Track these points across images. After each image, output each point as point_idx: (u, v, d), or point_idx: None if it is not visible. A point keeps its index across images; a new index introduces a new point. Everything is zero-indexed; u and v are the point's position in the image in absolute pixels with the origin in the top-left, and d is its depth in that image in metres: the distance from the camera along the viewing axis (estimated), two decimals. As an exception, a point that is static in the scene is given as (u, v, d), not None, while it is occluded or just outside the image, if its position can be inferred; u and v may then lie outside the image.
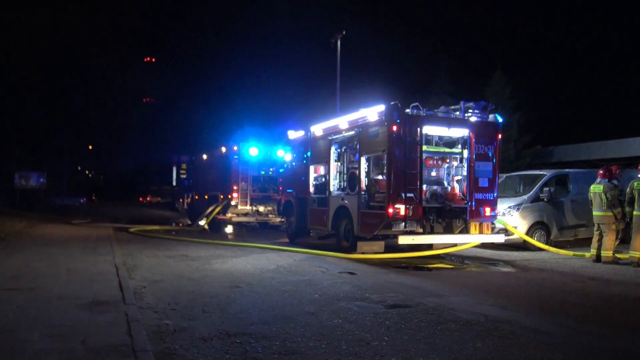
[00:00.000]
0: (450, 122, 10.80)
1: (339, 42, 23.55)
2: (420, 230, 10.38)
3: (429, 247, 11.32)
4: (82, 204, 47.28)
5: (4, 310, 5.68)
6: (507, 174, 15.23)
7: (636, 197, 10.21)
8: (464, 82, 30.96)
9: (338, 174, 12.43)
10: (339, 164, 12.43)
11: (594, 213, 10.88)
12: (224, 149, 19.57)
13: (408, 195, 10.01)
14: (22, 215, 22.70)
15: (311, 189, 13.46)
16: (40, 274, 8.06)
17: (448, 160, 11.17)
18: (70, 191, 52.92)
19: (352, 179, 11.63)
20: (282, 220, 16.23)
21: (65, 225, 19.52)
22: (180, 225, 21.95)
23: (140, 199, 55.49)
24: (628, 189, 10.45)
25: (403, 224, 10.08)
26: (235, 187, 18.34)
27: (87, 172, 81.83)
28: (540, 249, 12.10)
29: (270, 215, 18.66)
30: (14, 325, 5.09)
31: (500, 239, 11.26)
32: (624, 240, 11.14)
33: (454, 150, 11.14)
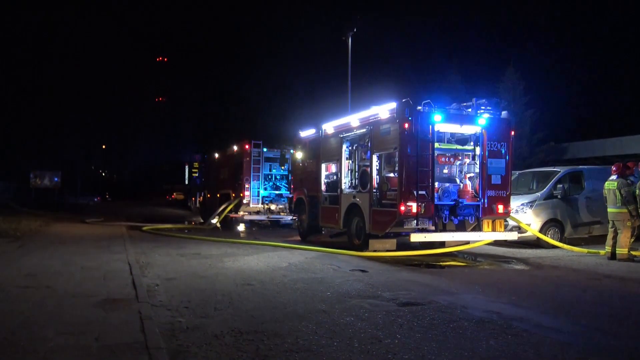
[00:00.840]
0: (463, 119, 10.72)
1: (350, 39, 23.52)
2: (433, 227, 10.34)
3: (442, 244, 11.26)
4: (95, 202, 47.74)
5: (20, 308, 5.75)
6: (520, 171, 15.11)
7: None
8: (477, 79, 30.79)
9: (349, 171, 12.41)
10: (351, 161, 12.41)
11: (609, 210, 10.76)
12: (235, 147, 19.64)
13: (420, 192, 9.95)
14: (37, 214, 22.98)
15: (323, 187, 13.45)
16: (55, 272, 8.16)
17: (460, 158, 11.09)
18: (84, 190, 53.46)
19: (363, 176, 11.61)
20: (294, 218, 16.25)
21: (79, 224, 19.71)
22: (193, 223, 22.06)
23: (167, 197, 55.79)
24: (638, 190, 10.31)
25: (415, 221, 10.03)
26: (247, 186, 18.40)
27: (100, 171, 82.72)
28: (554, 247, 11.98)
29: (281, 213, 18.70)
30: (29, 322, 5.16)
31: (513, 236, 11.16)
32: (639, 238, 11.00)
33: (466, 147, 11.05)
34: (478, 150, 10.76)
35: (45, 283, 7.22)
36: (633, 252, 10.57)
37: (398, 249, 11.16)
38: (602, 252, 11.06)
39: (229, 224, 19.17)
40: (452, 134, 11.20)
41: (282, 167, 18.86)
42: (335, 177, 12.96)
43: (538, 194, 12.78)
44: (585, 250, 11.70)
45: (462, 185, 10.90)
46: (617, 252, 10.50)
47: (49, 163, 37.35)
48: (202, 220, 22.47)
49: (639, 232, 10.92)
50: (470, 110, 10.86)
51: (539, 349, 4.62)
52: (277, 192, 18.81)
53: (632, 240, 10.68)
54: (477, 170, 10.77)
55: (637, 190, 10.38)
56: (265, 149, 18.75)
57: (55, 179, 34.66)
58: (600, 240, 11.86)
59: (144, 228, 17.44)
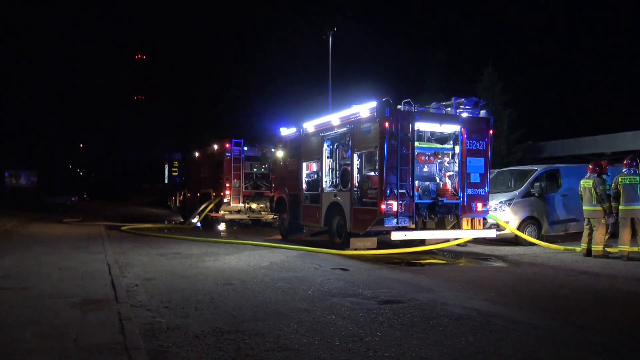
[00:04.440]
0: (442, 118, 10.82)
1: (330, 39, 23.55)
2: (413, 226, 10.42)
3: (422, 242, 11.35)
4: (72, 202, 46.92)
5: (-5, 310, 5.64)
6: (499, 170, 15.32)
7: (621, 191, 10.31)
8: (456, 78, 31.09)
9: (330, 170, 12.43)
10: (331, 160, 12.43)
11: (584, 208, 10.96)
12: (216, 146, 19.52)
13: (400, 191, 10.03)
14: (13, 214, 22.52)
15: (304, 186, 13.46)
16: (32, 273, 8.02)
17: (440, 156, 11.20)
18: (62, 189, 52.54)
19: (344, 175, 11.64)
20: (275, 217, 16.21)
21: (57, 224, 19.39)
22: (173, 223, 21.87)
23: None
24: (613, 184, 10.53)
25: (395, 219, 10.10)
26: (227, 185, 18.30)
27: (78, 170, 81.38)
28: (531, 244, 12.18)
29: (262, 213, 18.65)
30: (5, 325, 5.06)
31: (492, 234, 11.33)
32: (614, 235, 11.25)
33: (446, 146, 11.18)
34: (457, 148, 10.88)
35: (21, 284, 7.09)
36: (608, 249, 10.80)
37: (379, 247, 11.23)
38: (578, 249, 11.27)
39: (209, 223, 19.05)
40: (432, 133, 11.31)
41: (263, 166, 18.81)
42: (316, 176, 12.97)
43: (516, 192, 12.96)
44: (561, 247, 11.91)
45: (441, 183, 11.01)
46: (592, 248, 10.71)
47: (25, 162, 36.67)
48: (182, 220, 22.30)
49: (613, 229, 11.17)
50: (449, 109, 10.97)
51: (517, 344, 4.69)
52: (258, 191, 18.75)
53: (607, 237, 10.90)
54: (457, 168, 10.90)
55: (613, 185, 10.58)
56: (246, 148, 18.67)
57: (32, 178, 34.05)
58: (576, 237, 12.10)
59: (123, 228, 17.23)
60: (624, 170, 10.49)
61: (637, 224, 10.20)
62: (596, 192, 10.64)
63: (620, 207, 10.33)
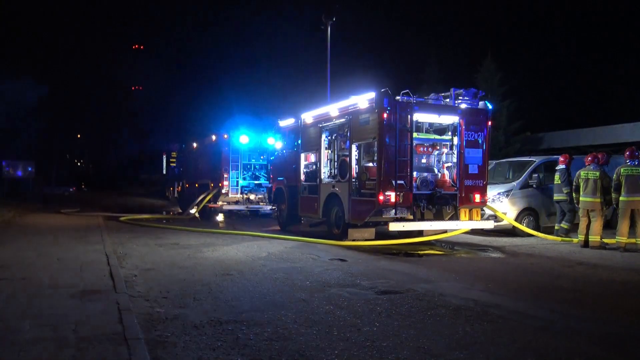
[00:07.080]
0: (441, 109, 10.80)
1: (329, 29, 23.40)
2: (411, 217, 10.43)
3: (420, 233, 11.37)
4: (71, 193, 46.89)
5: (-6, 300, 5.65)
6: (497, 161, 15.32)
7: (622, 182, 10.32)
8: (455, 69, 31.05)
9: (329, 161, 12.42)
10: (330, 151, 12.41)
11: (584, 199, 10.92)
12: (214, 137, 19.48)
13: (398, 182, 10.04)
14: (11, 205, 22.49)
15: (302, 177, 13.45)
16: (30, 264, 8.03)
17: (438, 147, 11.19)
18: (60, 180, 52.50)
19: (342, 166, 11.64)
20: (273, 208, 16.22)
21: (55, 215, 19.37)
22: (171, 213, 21.84)
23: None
24: (615, 175, 10.54)
25: (393, 210, 10.11)
26: (225, 175, 18.29)
27: (76, 161, 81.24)
28: (529, 235, 12.21)
29: (261, 203, 18.64)
30: (4, 315, 5.07)
31: (489, 225, 11.34)
32: (609, 226, 11.27)
33: (444, 137, 11.16)
34: (456, 140, 10.87)
35: (20, 275, 7.10)
36: (605, 240, 10.84)
37: (377, 238, 11.25)
38: (575, 240, 11.31)
39: (207, 214, 19.05)
40: (430, 124, 11.30)
41: (262, 157, 18.79)
42: (314, 167, 12.96)
43: (514, 183, 12.98)
44: (559, 238, 11.94)
45: (440, 174, 11.01)
46: (590, 239, 10.74)
47: (23, 153, 36.60)
48: (180, 211, 22.29)
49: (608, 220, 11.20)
50: (448, 100, 10.95)
51: (514, 334, 4.72)
52: (256, 181, 18.74)
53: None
54: (455, 159, 10.89)
55: (615, 176, 10.60)
56: (244, 139, 18.61)
57: (29, 168, 33.99)
58: (573, 228, 12.13)
59: (122, 218, 17.23)
60: (626, 162, 10.49)
61: (637, 215, 10.22)
62: (602, 185, 10.64)
63: (621, 198, 10.33)
